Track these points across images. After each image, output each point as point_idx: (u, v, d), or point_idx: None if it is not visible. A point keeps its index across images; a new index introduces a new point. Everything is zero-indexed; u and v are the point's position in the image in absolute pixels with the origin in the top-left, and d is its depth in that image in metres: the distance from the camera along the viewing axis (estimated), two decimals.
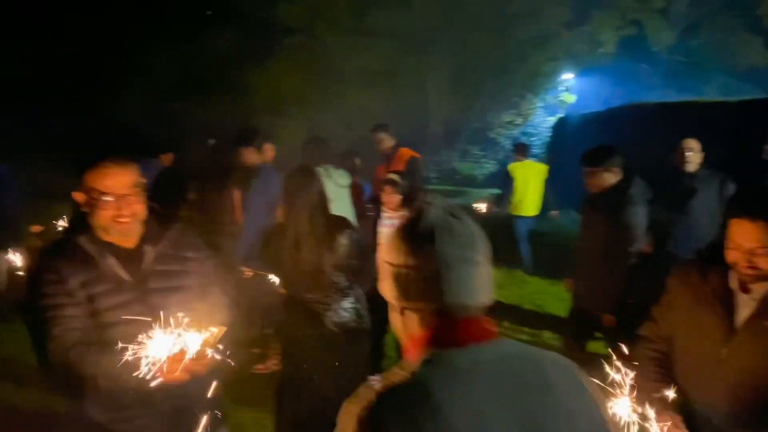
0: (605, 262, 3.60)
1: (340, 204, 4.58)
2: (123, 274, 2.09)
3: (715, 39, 19.31)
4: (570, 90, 19.45)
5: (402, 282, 1.20)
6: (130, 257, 2.11)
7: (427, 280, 1.18)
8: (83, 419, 2.08)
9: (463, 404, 1.09)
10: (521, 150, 8.40)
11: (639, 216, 3.55)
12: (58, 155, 7.56)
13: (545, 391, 1.15)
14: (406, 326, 1.24)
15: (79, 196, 2.08)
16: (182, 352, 1.81)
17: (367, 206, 5.18)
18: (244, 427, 3.88)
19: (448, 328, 1.18)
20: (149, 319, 1.94)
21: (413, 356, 1.20)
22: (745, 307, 1.92)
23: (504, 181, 8.17)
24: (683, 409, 1.98)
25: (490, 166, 19.26)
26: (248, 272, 4.73)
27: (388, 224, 4.34)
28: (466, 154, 19.88)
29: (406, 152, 5.98)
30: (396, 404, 1.09)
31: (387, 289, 1.25)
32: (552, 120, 17.23)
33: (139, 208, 2.09)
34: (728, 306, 1.94)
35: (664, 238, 3.40)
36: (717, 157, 4.73)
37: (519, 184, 7.81)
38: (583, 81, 19.66)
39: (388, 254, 1.24)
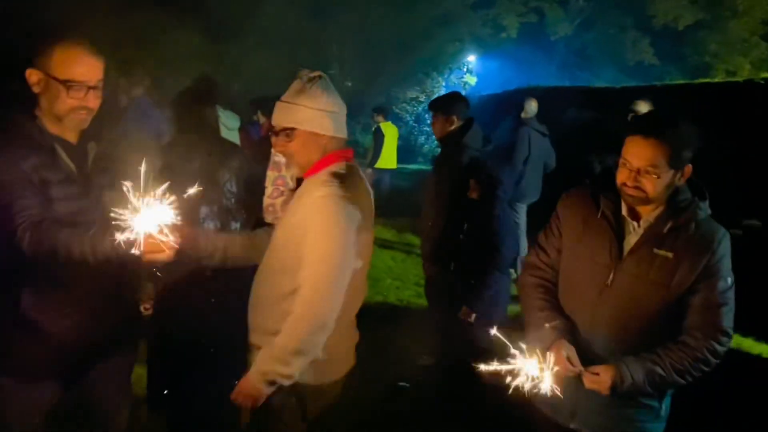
0: (435, 209, 3.62)
1: None
2: (72, 166, 1.95)
3: (607, 34, 20.35)
4: (472, 72, 19.85)
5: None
6: (75, 152, 1.97)
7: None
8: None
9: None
10: (386, 112, 9.88)
11: (465, 162, 3.52)
12: None
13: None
14: (309, 153, 1.98)
15: (33, 76, 1.88)
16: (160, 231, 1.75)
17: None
18: None
19: (344, 151, 2.03)
20: (94, 214, 1.92)
21: (315, 171, 1.98)
22: (633, 235, 1.91)
23: (375, 139, 9.27)
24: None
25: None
26: None
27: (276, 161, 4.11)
28: (368, 127, 19.80)
29: None
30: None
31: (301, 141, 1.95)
32: None
33: (98, 103, 1.96)
34: (618, 233, 1.92)
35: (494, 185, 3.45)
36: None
37: (387, 141, 9.17)
38: (485, 64, 20.13)
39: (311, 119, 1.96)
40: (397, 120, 19.90)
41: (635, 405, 1.95)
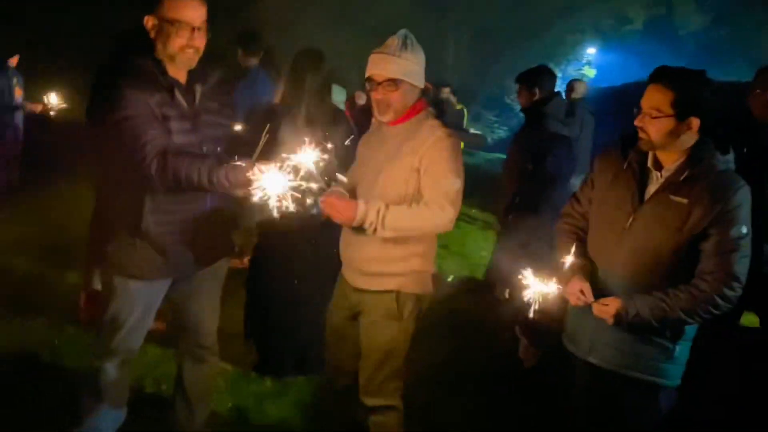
0: (511, 177, 3.90)
1: None
2: (184, 104, 2.27)
3: (741, 32, 19.08)
4: (591, 64, 19.35)
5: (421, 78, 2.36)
6: (185, 91, 2.29)
7: None
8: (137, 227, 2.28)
9: None
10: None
11: (543, 132, 3.75)
12: None
13: None
14: (405, 102, 2.33)
15: (149, 21, 2.20)
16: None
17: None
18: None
19: (423, 100, 2.41)
20: (201, 148, 2.25)
21: (408, 117, 2.36)
22: (655, 183, 2.10)
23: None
24: (591, 277, 2.18)
25: (502, 132, 19.31)
26: None
27: None
28: (479, 117, 19.91)
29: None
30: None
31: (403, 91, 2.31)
32: None
33: (203, 43, 2.26)
34: (641, 182, 2.12)
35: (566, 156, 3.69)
36: None
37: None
38: (605, 56, 19.54)
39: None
40: (509, 111, 19.90)
41: (648, 342, 2.11)
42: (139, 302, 2.41)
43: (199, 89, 2.35)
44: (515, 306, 4.12)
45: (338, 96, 5.19)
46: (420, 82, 2.37)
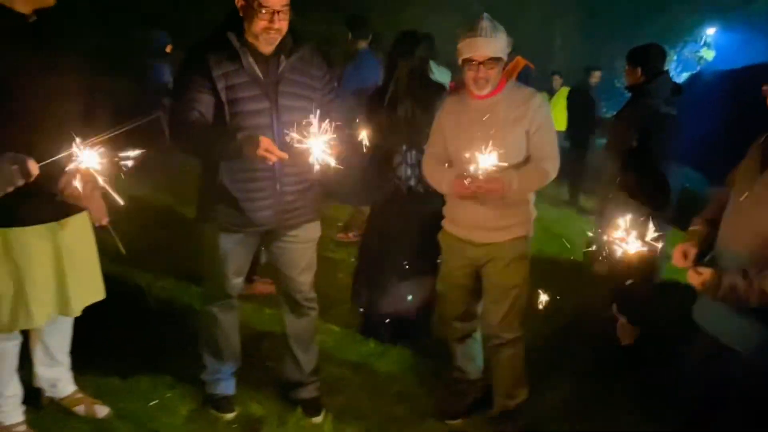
0: (611, 155, 3.92)
1: None
2: (259, 72, 2.53)
3: None
4: (710, 45, 18.23)
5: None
6: (266, 61, 2.54)
7: None
8: (217, 183, 2.61)
9: None
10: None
11: (644, 110, 3.72)
12: None
13: None
14: (498, 75, 2.67)
15: (239, 2, 2.46)
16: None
17: None
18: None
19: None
20: (272, 113, 2.54)
21: (500, 88, 2.71)
22: None
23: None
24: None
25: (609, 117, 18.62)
26: None
27: None
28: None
29: (522, 61, 6.51)
30: None
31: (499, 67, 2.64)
32: (685, 76, 16.34)
33: (285, 25, 2.49)
34: (765, 158, 2.08)
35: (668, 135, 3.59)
36: None
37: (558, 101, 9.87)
38: (726, 37, 18.33)
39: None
40: (619, 95, 19.12)
41: (752, 316, 2.04)
42: (229, 253, 2.75)
43: (283, 61, 2.57)
44: (612, 285, 4.17)
45: (441, 76, 5.39)
46: (506, 57, 2.70)
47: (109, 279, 2.79)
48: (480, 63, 2.60)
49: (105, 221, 2.51)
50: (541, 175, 2.69)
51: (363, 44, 5.44)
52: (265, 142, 2.34)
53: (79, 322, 2.85)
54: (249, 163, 2.52)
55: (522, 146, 2.69)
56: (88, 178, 2.32)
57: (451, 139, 2.80)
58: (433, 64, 5.36)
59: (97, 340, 3.21)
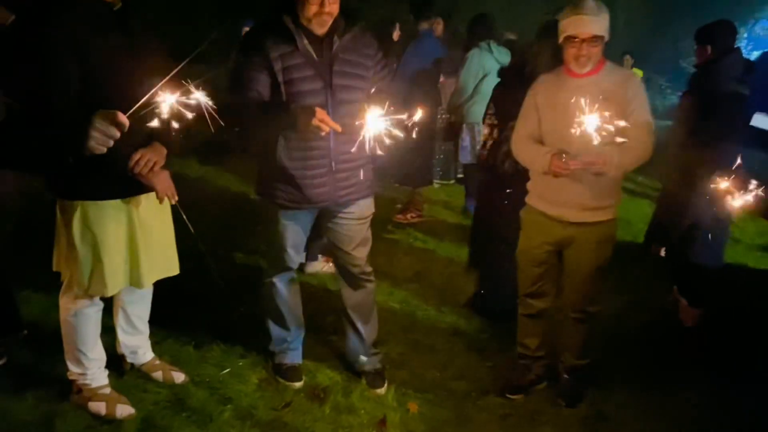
0: (678, 135, 3.90)
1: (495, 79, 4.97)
2: (313, 53, 2.61)
3: None
4: None
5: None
6: (320, 42, 2.61)
7: None
8: (274, 162, 2.72)
9: None
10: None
11: (712, 89, 3.64)
12: None
13: None
14: (601, 53, 2.68)
15: None
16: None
17: None
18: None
19: None
20: (327, 93, 2.61)
21: (599, 68, 2.72)
22: None
23: None
24: None
25: (674, 98, 18.00)
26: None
27: None
28: (649, 82, 18.67)
29: None
30: None
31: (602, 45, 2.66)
32: (756, 54, 15.60)
33: (336, 8, 2.56)
34: None
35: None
36: None
37: None
38: None
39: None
40: (681, 76, 18.42)
41: None
42: (287, 228, 2.88)
43: (336, 41, 2.64)
44: (673, 267, 4.11)
45: (501, 57, 5.40)
46: (608, 36, 2.70)
47: (181, 256, 2.94)
48: (583, 41, 2.62)
49: (174, 200, 2.64)
50: (640, 152, 2.67)
51: (425, 25, 5.49)
52: (320, 113, 2.41)
53: (156, 295, 3.03)
54: (305, 142, 2.64)
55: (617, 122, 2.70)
56: (157, 157, 2.48)
57: (547, 117, 2.81)
58: (493, 45, 5.43)
59: (171, 313, 3.40)
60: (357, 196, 2.90)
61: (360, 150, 2.47)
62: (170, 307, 3.26)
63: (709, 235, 3.66)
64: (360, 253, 3.04)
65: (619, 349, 3.60)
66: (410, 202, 5.81)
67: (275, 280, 3.08)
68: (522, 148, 2.91)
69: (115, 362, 3.07)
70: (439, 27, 5.95)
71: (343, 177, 2.80)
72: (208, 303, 3.81)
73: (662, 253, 4.05)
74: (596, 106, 2.55)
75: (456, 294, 4.25)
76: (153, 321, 3.12)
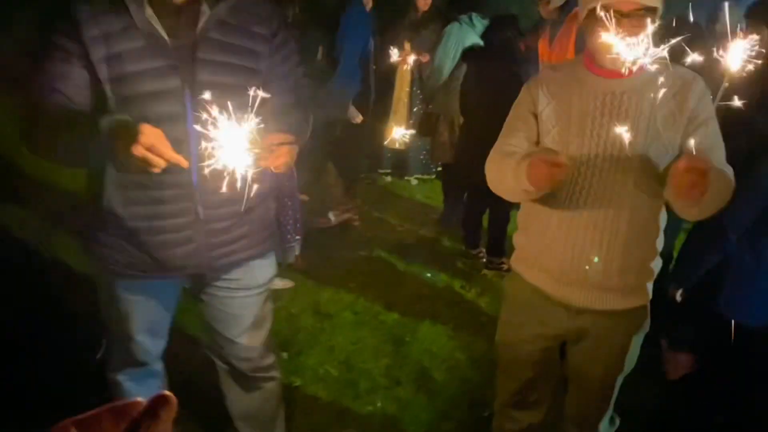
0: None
1: None
2: (162, 31, 1.57)
3: None
4: None
5: None
6: (175, 13, 1.58)
7: None
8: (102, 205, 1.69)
9: None
10: None
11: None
12: None
13: None
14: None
15: None
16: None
17: None
18: None
19: None
20: (185, 96, 1.57)
21: None
22: None
23: None
24: None
25: None
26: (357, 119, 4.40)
27: None
28: None
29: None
30: None
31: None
32: None
33: None
34: None
35: None
36: None
37: None
38: None
39: None
40: None
41: None
42: (134, 305, 1.84)
43: (205, 12, 1.59)
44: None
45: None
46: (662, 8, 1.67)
47: None
48: (624, 15, 1.56)
49: None
50: (728, 185, 1.61)
51: None
52: (149, 135, 1.36)
53: None
54: (146, 176, 1.50)
55: (673, 151, 1.66)
56: None
57: (556, 130, 1.74)
58: (477, 18, 4.35)
59: None
60: (245, 255, 1.86)
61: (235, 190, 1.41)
62: None
63: None
64: (252, 341, 2.01)
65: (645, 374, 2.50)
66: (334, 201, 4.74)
67: (121, 378, 2.02)
68: (496, 165, 1.81)
69: None
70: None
71: (219, 229, 1.76)
72: None
73: (678, 296, 2.94)
74: (629, 125, 1.58)
75: None
76: None
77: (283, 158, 1.51)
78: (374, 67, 5.01)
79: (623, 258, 1.72)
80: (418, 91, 5.35)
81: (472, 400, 2.85)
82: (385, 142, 4.88)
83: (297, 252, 3.52)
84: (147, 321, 1.90)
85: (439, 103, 4.60)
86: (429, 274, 4.06)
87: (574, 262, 1.75)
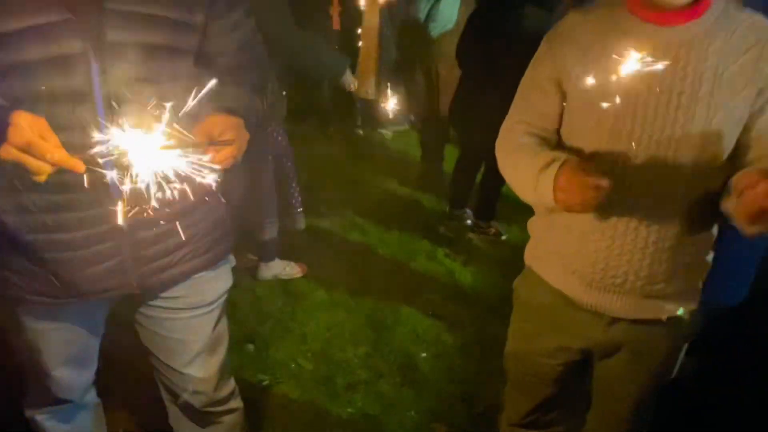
0: None
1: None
2: (57, 6, 1.13)
3: None
4: None
5: None
6: None
7: None
8: None
9: None
10: None
11: None
12: None
13: None
14: None
15: None
16: None
17: None
18: None
19: None
20: (90, 64, 1.16)
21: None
22: None
23: None
24: None
25: None
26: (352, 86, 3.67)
27: None
28: None
29: None
30: None
31: None
32: None
33: None
34: None
35: None
36: None
37: None
38: None
39: None
40: None
41: None
42: (45, 336, 1.46)
43: None
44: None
45: None
46: None
47: None
48: None
49: None
50: None
51: None
52: (23, 126, 0.99)
53: None
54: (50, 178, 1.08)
55: (740, 123, 1.26)
56: None
57: (588, 104, 1.31)
58: None
59: None
60: (187, 267, 1.46)
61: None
62: None
63: None
64: (203, 371, 1.62)
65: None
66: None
67: (40, 417, 1.65)
68: (508, 154, 1.45)
69: None
70: None
71: (148, 238, 1.36)
72: None
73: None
74: (708, 89, 1.22)
75: None
76: None
77: (224, 151, 1.12)
78: None
79: (673, 260, 1.36)
80: (389, 33, 4.85)
81: (464, 393, 2.54)
82: (352, 89, 4.34)
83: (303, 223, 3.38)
84: (64, 353, 1.50)
85: (414, 50, 4.16)
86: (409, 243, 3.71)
87: (610, 264, 1.38)
